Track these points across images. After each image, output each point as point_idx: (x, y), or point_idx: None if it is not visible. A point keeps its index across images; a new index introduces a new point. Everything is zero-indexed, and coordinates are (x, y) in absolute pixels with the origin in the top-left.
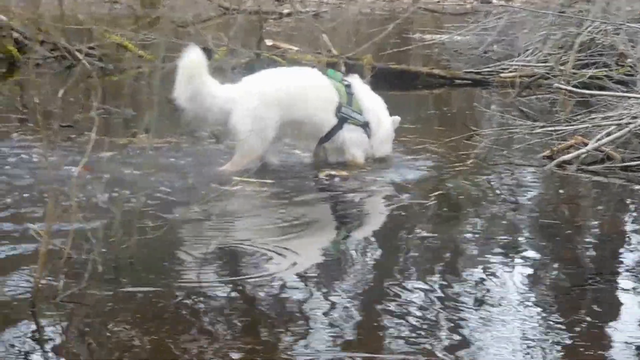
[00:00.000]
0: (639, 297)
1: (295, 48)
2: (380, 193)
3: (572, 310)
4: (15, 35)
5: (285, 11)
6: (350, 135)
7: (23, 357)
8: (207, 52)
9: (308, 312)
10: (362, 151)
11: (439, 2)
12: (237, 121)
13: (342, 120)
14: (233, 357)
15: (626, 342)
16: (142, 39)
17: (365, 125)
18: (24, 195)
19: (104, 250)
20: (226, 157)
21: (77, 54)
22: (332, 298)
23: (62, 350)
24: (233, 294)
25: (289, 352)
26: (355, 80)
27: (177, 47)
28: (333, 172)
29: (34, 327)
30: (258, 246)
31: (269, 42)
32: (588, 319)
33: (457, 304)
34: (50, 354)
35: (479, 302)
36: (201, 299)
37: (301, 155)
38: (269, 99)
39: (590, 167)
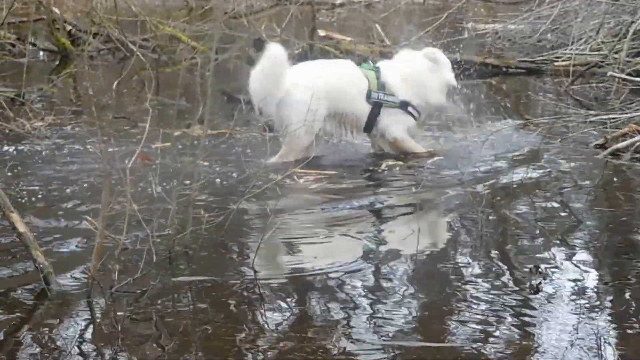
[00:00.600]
0: None
1: (349, 39)
2: (433, 182)
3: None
4: (69, 27)
5: (338, 1)
6: (389, 118)
7: (78, 346)
8: (261, 42)
9: (363, 304)
10: (405, 131)
11: None
12: (287, 114)
13: (377, 105)
14: (285, 346)
15: None
16: (195, 30)
17: (404, 105)
18: (79, 186)
19: (158, 240)
20: (278, 148)
21: (131, 45)
22: (390, 291)
23: (115, 340)
24: (287, 285)
25: (340, 343)
26: (383, 63)
27: (230, 38)
28: (391, 162)
29: (89, 317)
30: (318, 239)
31: (322, 33)
32: None
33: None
34: (103, 344)
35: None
36: (255, 289)
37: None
38: (317, 92)
39: None
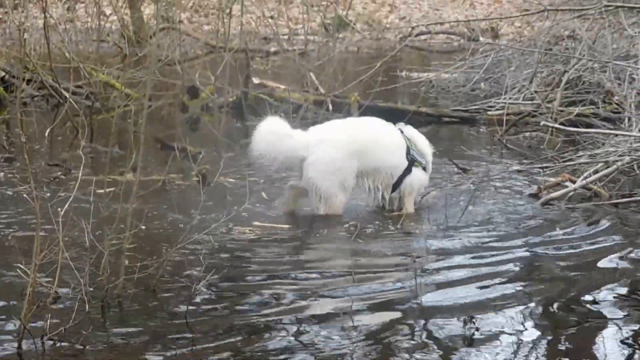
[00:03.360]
0: None
1: (283, 86)
2: None
3: None
4: (2, 74)
5: (272, 49)
6: (416, 177)
7: None
8: (195, 90)
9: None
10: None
11: (426, 40)
12: (316, 175)
13: (411, 163)
14: None
15: None
16: (129, 77)
17: (425, 168)
18: (11, 233)
19: (91, 289)
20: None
21: (64, 92)
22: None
23: None
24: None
25: None
26: (405, 126)
27: (164, 85)
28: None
29: None
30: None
31: (256, 80)
32: None
33: None
34: None
35: None
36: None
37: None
38: (348, 149)
39: (579, 205)
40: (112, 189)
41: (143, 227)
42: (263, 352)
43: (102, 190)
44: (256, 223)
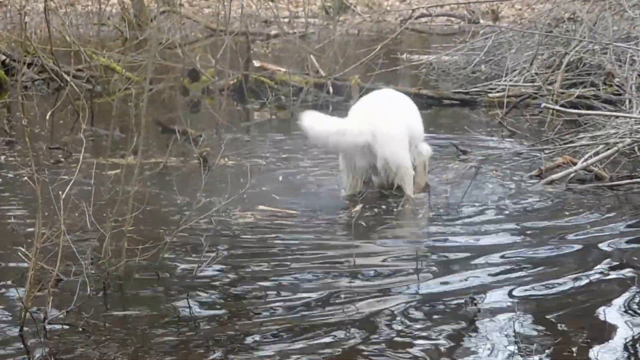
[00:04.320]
0: None
1: (283, 69)
2: None
3: None
4: (2, 57)
5: (273, 32)
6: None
7: None
8: (195, 73)
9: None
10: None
11: (426, 22)
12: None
13: None
14: None
15: None
16: (130, 60)
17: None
18: (12, 216)
19: (93, 272)
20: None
21: (65, 76)
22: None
23: None
24: (224, 317)
25: None
26: None
27: (164, 68)
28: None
29: (22, 350)
30: None
31: (256, 63)
32: None
33: None
34: None
35: None
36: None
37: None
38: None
39: (580, 187)
40: (114, 171)
41: (148, 208)
42: (264, 335)
43: (112, 172)
44: (261, 207)
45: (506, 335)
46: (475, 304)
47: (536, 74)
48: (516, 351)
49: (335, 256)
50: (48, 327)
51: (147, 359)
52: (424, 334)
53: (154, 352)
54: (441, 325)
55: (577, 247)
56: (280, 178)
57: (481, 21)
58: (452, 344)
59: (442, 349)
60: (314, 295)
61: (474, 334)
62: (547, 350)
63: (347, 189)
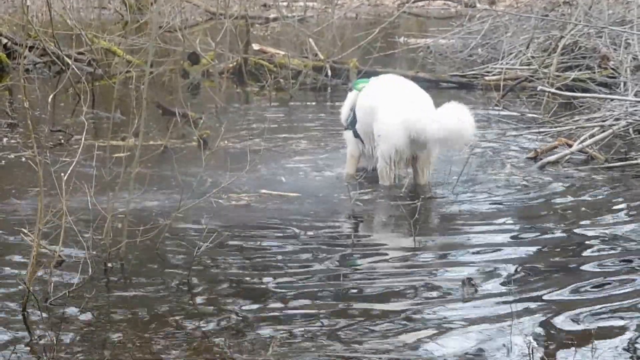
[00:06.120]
0: None
1: (282, 52)
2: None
3: None
4: (4, 41)
5: (272, 16)
6: None
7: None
8: (195, 56)
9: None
10: None
11: (423, 6)
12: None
13: None
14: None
15: None
16: (131, 44)
17: None
18: (15, 198)
19: (94, 253)
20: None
21: (66, 59)
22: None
23: (52, 351)
24: (224, 297)
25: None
26: None
27: (165, 51)
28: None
29: (25, 329)
30: None
31: (256, 47)
32: None
33: None
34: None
35: None
36: (190, 302)
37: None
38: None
39: (575, 168)
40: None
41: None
42: (263, 316)
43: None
44: (262, 190)
45: (504, 321)
46: (473, 285)
47: (532, 57)
48: (513, 334)
49: (333, 235)
50: (50, 307)
51: (148, 338)
52: (418, 316)
53: (155, 332)
54: (438, 307)
55: (576, 231)
56: (283, 179)
57: (478, 5)
58: (448, 326)
59: (436, 330)
60: (312, 276)
61: (469, 318)
62: (543, 333)
63: (390, 180)
